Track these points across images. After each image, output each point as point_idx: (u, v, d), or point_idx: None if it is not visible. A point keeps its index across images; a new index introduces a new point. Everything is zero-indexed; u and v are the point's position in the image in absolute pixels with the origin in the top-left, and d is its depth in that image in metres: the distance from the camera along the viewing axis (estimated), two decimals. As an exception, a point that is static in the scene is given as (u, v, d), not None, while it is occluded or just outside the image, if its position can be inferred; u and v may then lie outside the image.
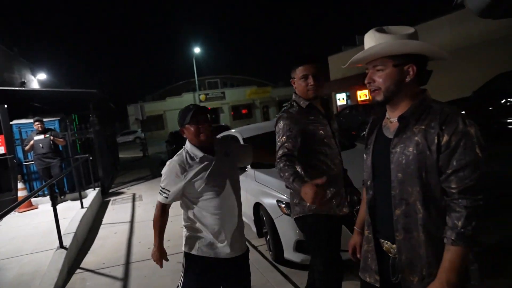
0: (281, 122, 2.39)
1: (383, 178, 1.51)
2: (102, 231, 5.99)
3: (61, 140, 7.74)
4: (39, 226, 6.20)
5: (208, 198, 2.16)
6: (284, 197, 3.79)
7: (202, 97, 39.66)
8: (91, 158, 8.72)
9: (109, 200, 8.48)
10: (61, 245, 4.49)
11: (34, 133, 7.56)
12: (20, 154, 8.38)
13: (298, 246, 3.63)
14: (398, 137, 1.44)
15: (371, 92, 1.48)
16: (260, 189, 4.29)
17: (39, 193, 7.33)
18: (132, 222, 6.39)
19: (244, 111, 42.60)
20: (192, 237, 2.24)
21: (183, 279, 2.24)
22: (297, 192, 2.04)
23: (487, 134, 9.70)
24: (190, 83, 41.01)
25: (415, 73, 1.42)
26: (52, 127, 8.17)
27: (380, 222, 1.57)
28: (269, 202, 4.01)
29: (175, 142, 15.11)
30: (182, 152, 2.24)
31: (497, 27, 12.89)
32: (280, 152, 2.24)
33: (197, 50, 34.66)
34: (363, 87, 23.11)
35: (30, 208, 7.67)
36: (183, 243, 2.28)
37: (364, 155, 1.66)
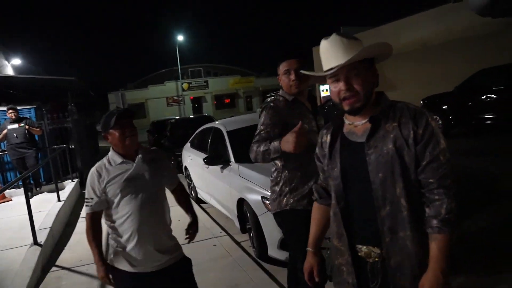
0: (264, 112, 2.41)
1: (358, 184, 1.48)
2: (80, 226, 5.78)
3: (37, 129, 7.44)
4: (12, 220, 5.92)
5: (123, 204, 2.06)
6: (268, 193, 3.69)
7: (185, 85, 39.14)
8: (70, 147, 8.43)
9: (88, 192, 8.22)
10: (35, 242, 4.29)
11: (7, 122, 7.23)
12: (-7, 144, 8.03)
13: (283, 244, 3.55)
14: (372, 138, 1.43)
15: (346, 100, 1.42)
16: (244, 184, 4.18)
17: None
18: (111, 215, 6.19)
19: (227, 101, 42.27)
20: (114, 249, 2.15)
21: None
22: (277, 150, 2.13)
23: (467, 130, 9.86)
24: (173, 71, 40.37)
25: (376, 75, 1.48)
26: (28, 116, 7.84)
27: (358, 229, 1.51)
28: (253, 198, 3.91)
29: (157, 132, 14.85)
30: (103, 159, 2.17)
31: (480, 23, 13.02)
32: (254, 140, 2.36)
33: (180, 38, 34.14)
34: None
35: (3, 201, 7.37)
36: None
37: (322, 163, 1.66)
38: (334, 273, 1.65)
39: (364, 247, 1.49)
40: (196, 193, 6.63)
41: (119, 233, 2.10)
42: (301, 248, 2.32)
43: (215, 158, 4.99)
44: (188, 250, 2.42)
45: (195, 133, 6.91)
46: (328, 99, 19.28)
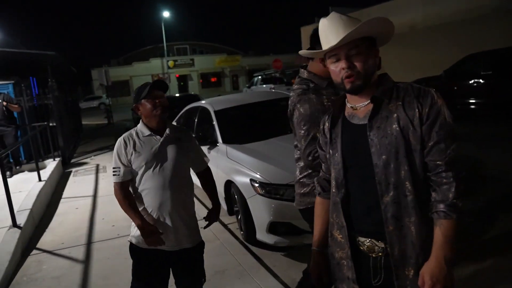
0: (306, 105, 1.99)
1: (358, 170, 1.42)
2: (62, 207, 5.62)
3: (16, 106, 7.13)
4: (-10, 200, 5.70)
5: (146, 178, 2.03)
6: (258, 176, 3.61)
7: (171, 63, 38.44)
8: (52, 124, 8.13)
9: (71, 172, 8.02)
10: (14, 224, 4.12)
11: (-17, 98, 6.90)
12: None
13: (272, 228, 3.49)
14: (374, 118, 1.37)
15: (346, 78, 1.36)
16: (232, 166, 4.08)
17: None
18: (95, 196, 6.04)
19: (213, 79, 41.81)
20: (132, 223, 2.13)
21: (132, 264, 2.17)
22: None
23: (455, 116, 9.90)
24: (158, 48, 39.57)
25: (378, 56, 1.42)
26: (5, 92, 7.50)
27: (359, 219, 1.43)
28: (241, 180, 3.81)
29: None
30: (132, 129, 2.14)
31: (468, 7, 12.98)
32: (305, 142, 1.96)
33: (166, 14, 33.20)
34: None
35: (-19, 180, 7.11)
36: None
37: (325, 151, 1.57)
38: (333, 269, 1.55)
39: (367, 240, 1.41)
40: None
41: (141, 207, 2.08)
42: None
43: (202, 138, 4.85)
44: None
45: (181, 112, 6.73)
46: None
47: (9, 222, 4.20)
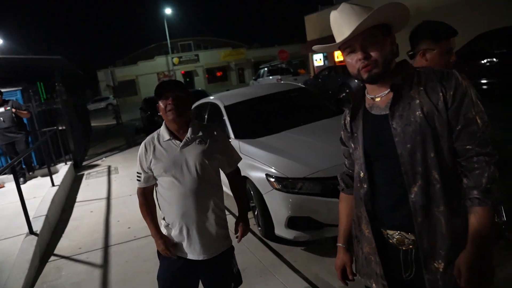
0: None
1: (382, 162, 1.36)
2: (77, 211, 5.60)
3: (25, 112, 7.11)
4: (6, 208, 5.70)
5: (167, 187, 1.94)
6: (273, 171, 3.52)
7: (176, 60, 38.38)
8: (61, 128, 8.12)
9: (83, 174, 8.02)
10: (31, 231, 4.10)
11: (-8, 106, 6.90)
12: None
13: (291, 223, 3.40)
14: (396, 106, 1.31)
15: (363, 68, 1.30)
16: (246, 161, 3.98)
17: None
18: (108, 198, 6.02)
19: (219, 74, 41.67)
20: (163, 227, 2.07)
21: (159, 266, 2.10)
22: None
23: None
24: (162, 46, 39.48)
25: (395, 43, 1.35)
26: (14, 98, 7.50)
27: (386, 213, 1.38)
28: (257, 176, 3.72)
29: (150, 109, 14.51)
30: (156, 131, 2.04)
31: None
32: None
33: (168, 11, 33.09)
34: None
35: (-4, 187, 7.15)
36: None
37: (348, 146, 1.53)
38: (360, 264, 1.51)
39: (396, 233, 1.36)
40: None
41: (165, 215, 2.02)
42: None
43: (214, 135, 4.77)
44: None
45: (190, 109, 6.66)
46: (322, 68, 18.93)
47: (25, 229, 4.18)
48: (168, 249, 1.98)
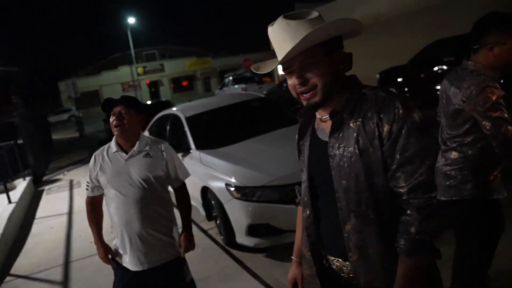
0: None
1: (324, 189, 1.27)
2: (36, 227, 5.45)
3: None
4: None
5: (111, 198, 2.03)
6: (233, 180, 3.61)
7: (140, 70, 37.83)
8: (19, 142, 7.85)
9: (43, 190, 7.80)
10: (-15, 250, 3.98)
11: None
12: None
13: (251, 230, 3.50)
14: (333, 137, 1.21)
15: (302, 95, 1.19)
16: (207, 172, 4.06)
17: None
18: (70, 213, 5.89)
19: (185, 83, 41.38)
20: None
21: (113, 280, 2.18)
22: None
23: (421, 102, 10.18)
24: (127, 55, 38.81)
25: (343, 58, 1.20)
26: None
27: (328, 239, 1.32)
28: (217, 186, 3.80)
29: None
30: (108, 143, 2.13)
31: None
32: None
33: (131, 20, 32.60)
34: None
35: None
36: None
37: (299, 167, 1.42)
38: (306, 284, 1.47)
39: (336, 259, 1.31)
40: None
41: (112, 225, 2.08)
42: (480, 251, 2.02)
43: (175, 146, 4.78)
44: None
45: (153, 120, 6.65)
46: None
47: (-20, 249, 4.05)
48: (107, 257, 2.08)
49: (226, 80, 22.55)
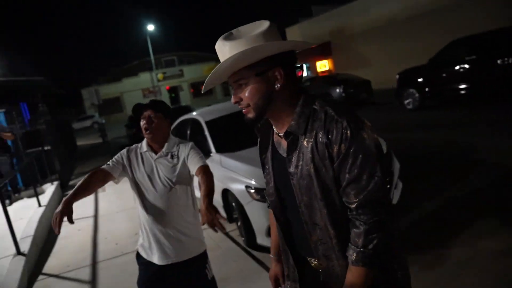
0: None
1: (290, 202, 1.31)
2: (64, 230, 5.51)
3: (9, 134, 7.15)
4: (-8, 230, 5.74)
5: (138, 196, 2.13)
6: (253, 183, 3.69)
7: (160, 76, 38.49)
8: (46, 149, 8.15)
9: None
10: (18, 251, 4.18)
11: (-25, 130, 6.94)
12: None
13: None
14: (290, 157, 1.25)
15: (243, 110, 1.26)
16: (227, 174, 4.15)
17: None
18: (96, 216, 6.10)
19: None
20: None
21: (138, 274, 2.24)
22: None
23: (442, 101, 10.05)
24: (146, 62, 39.57)
25: (283, 76, 1.19)
26: (-3, 121, 7.56)
27: (301, 245, 1.37)
28: (237, 188, 3.89)
29: (135, 126, 14.59)
30: (140, 143, 2.23)
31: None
32: None
33: (150, 27, 33.23)
34: (322, 57, 23.31)
35: (-18, 210, 7.13)
36: None
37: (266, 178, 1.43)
38: (288, 272, 1.50)
39: (313, 259, 1.35)
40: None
41: (140, 220, 2.18)
42: None
43: (196, 150, 4.93)
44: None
45: (173, 125, 6.81)
46: (304, 80, 19.24)
47: (12, 250, 4.26)
48: (61, 218, 1.80)
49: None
